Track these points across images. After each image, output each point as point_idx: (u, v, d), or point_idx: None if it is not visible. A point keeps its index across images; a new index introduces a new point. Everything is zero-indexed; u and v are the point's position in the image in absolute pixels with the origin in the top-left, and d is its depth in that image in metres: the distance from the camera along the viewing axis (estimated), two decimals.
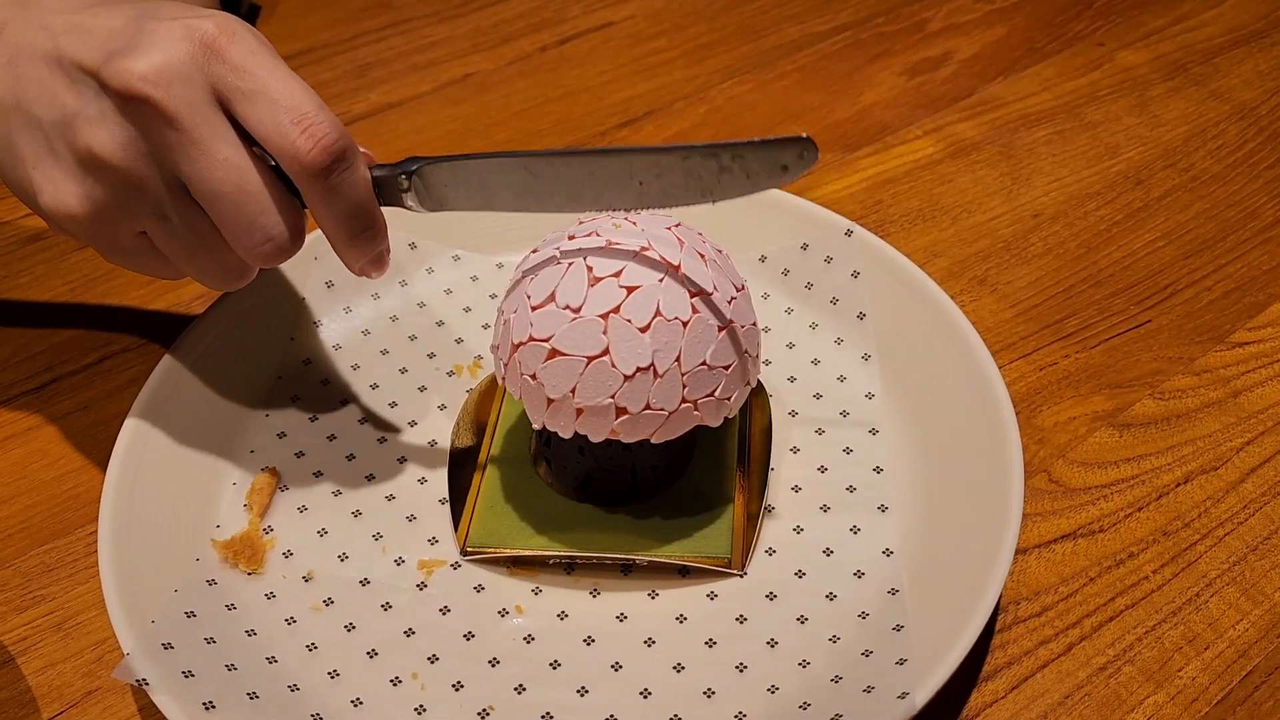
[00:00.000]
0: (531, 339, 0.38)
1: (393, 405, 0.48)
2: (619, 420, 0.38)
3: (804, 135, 0.34)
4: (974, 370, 0.45)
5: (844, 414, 0.47)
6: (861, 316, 0.49)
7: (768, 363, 0.49)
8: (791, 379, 0.48)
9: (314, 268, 0.51)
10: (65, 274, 0.57)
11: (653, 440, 0.39)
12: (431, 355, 0.50)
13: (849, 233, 0.50)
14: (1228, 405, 0.49)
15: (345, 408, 0.48)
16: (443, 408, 0.48)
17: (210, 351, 0.48)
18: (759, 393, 0.47)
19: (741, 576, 0.41)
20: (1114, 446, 0.48)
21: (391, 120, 0.67)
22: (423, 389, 0.49)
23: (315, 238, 0.51)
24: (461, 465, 0.45)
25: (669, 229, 0.40)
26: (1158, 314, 0.53)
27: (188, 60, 0.35)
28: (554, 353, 0.37)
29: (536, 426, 0.40)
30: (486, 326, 0.51)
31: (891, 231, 0.58)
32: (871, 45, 0.72)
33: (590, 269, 0.38)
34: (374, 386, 0.49)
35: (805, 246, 0.51)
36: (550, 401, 0.38)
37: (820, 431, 0.46)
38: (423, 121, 0.67)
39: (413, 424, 0.48)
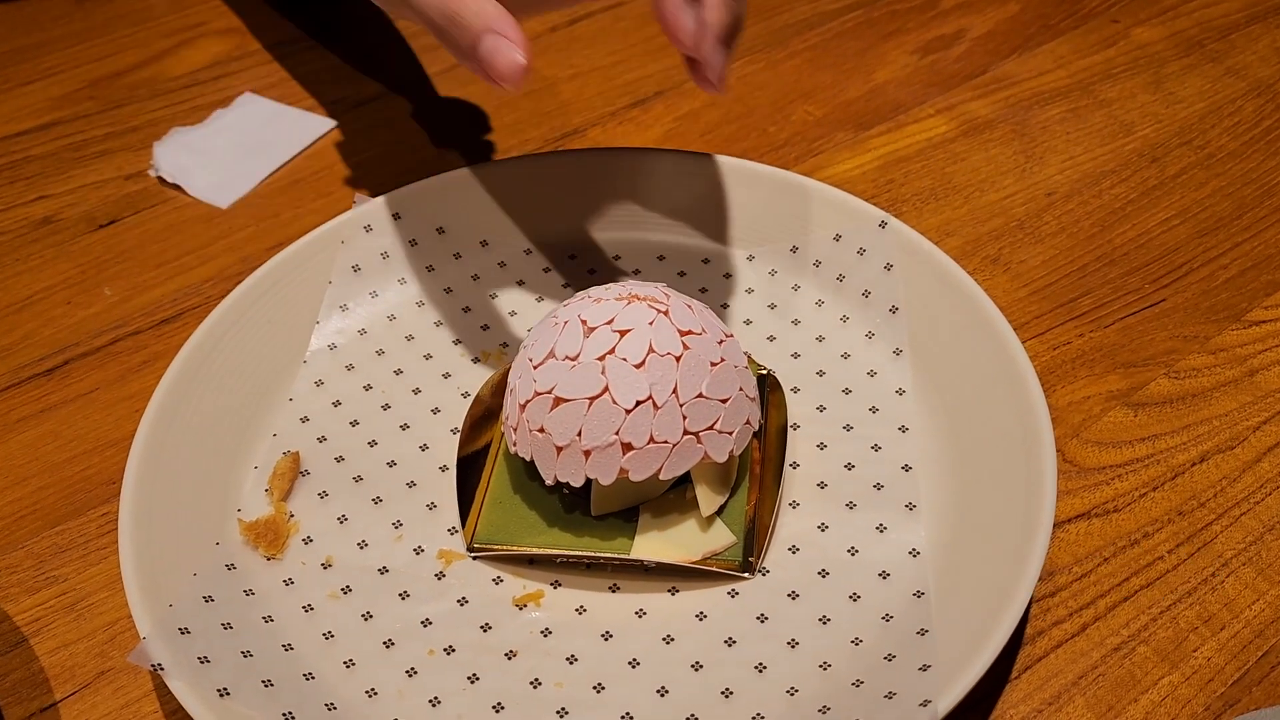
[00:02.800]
0: (536, 394, 0.40)
1: (416, 391, 0.48)
2: (626, 457, 0.39)
3: None
4: (1010, 372, 0.43)
5: (873, 410, 0.46)
6: (894, 310, 0.48)
7: (796, 355, 0.49)
8: (820, 373, 0.48)
9: (341, 251, 0.51)
10: (75, 257, 0.57)
11: (661, 476, 0.39)
12: (457, 341, 0.50)
13: (883, 224, 0.49)
14: (1244, 384, 0.49)
15: (369, 393, 0.48)
16: (466, 395, 0.48)
17: (234, 334, 0.47)
18: (775, 391, 0.46)
19: (764, 575, 0.41)
20: (1128, 426, 0.47)
21: (401, 102, 0.66)
22: (447, 375, 0.49)
23: (341, 221, 0.51)
24: (472, 458, 0.45)
25: (656, 288, 0.42)
26: (1173, 293, 0.53)
27: None
28: (557, 401, 0.39)
29: (549, 481, 0.40)
30: (514, 314, 0.51)
31: (904, 211, 0.57)
32: (884, 23, 0.71)
33: (584, 322, 0.40)
34: (398, 372, 0.49)
35: (838, 238, 0.50)
36: (559, 450, 0.39)
37: (849, 427, 0.46)
38: (432, 105, 0.66)
39: (436, 411, 0.47)
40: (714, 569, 0.41)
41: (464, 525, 0.43)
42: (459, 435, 0.46)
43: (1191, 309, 0.52)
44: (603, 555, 0.41)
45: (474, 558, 0.42)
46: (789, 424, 0.46)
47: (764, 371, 0.47)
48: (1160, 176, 0.59)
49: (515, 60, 0.38)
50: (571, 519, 0.42)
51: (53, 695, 0.40)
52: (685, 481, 0.43)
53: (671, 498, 0.43)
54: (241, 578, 0.41)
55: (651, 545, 0.41)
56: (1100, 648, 0.40)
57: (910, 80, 0.66)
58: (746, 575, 0.41)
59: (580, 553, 0.41)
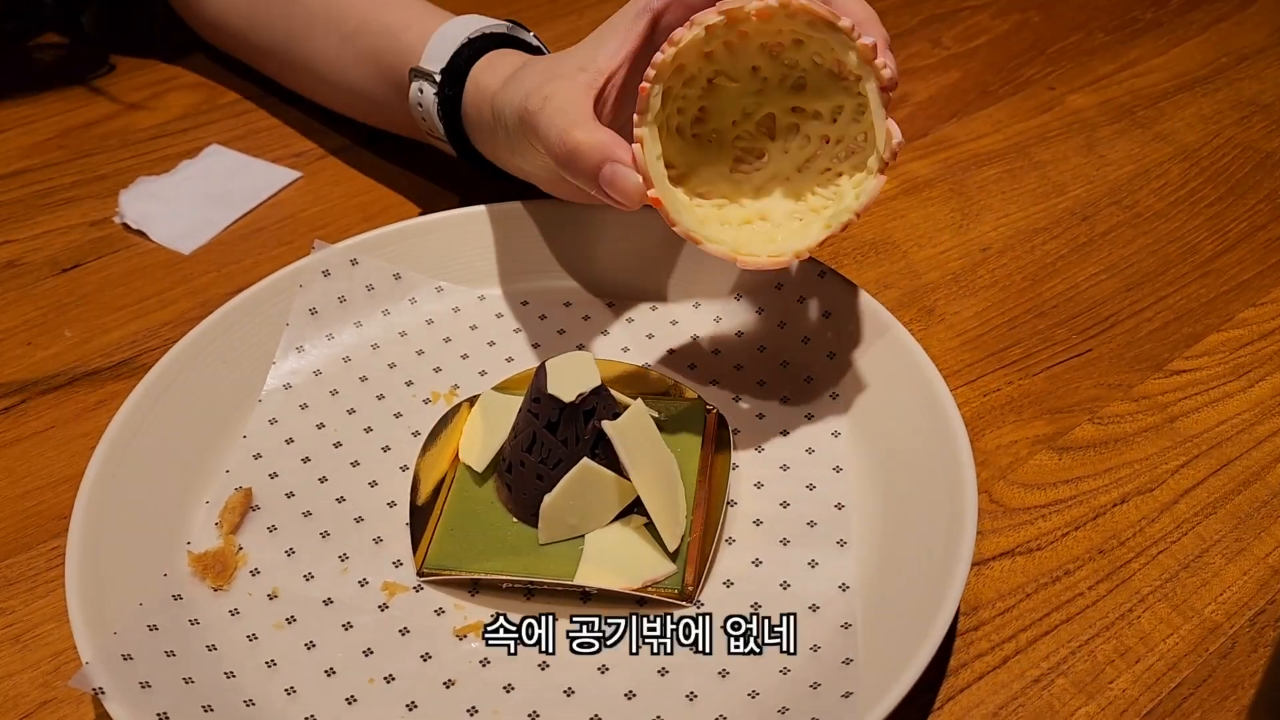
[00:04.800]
0: None
1: (368, 430, 0.49)
2: None
3: None
4: (938, 417, 0.45)
5: (809, 451, 0.48)
6: (831, 356, 0.50)
7: (737, 399, 0.50)
8: (760, 415, 0.50)
9: (299, 295, 0.52)
10: (37, 299, 0.59)
11: None
12: (409, 383, 0.51)
13: (822, 274, 0.52)
14: (1164, 430, 0.51)
15: (321, 431, 0.49)
16: (416, 434, 0.49)
17: (191, 373, 0.49)
18: (723, 428, 0.48)
19: (697, 607, 0.42)
20: (1053, 469, 0.49)
21: (364, 155, 0.68)
22: (398, 415, 0.50)
23: (300, 266, 0.53)
24: (425, 488, 0.46)
25: None
26: (1099, 343, 0.55)
27: None
28: None
29: None
30: (465, 356, 0.53)
31: (845, 264, 0.60)
32: None
33: None
34: (351, 411, 0.50)
35: (779, 286, 0.53)
36: None
37: (785, 468, 0.47)
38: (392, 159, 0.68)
39: (386, 449, 0.49)
40: (653, 595, 0.42)
41: (415, 552, 0.44)
42: (413, 468, 0.47)
43: (1116, 359, 0.54)
44: (547, 580, 0.42)
45: (425, 581, 0.43)
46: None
47: (711, 409, 0.49)
48: (1090, 234, 0.62)
49: (634, 183, 0.42)
50: (519, 547, 0.44)
51: None
52: (630, 513, 0.44)
53: (615, 529, 0.44)
54: (187, 608, 0.42)
55: (594, 573, 0.42)
56: (1021, 679, 0.41)
57: None
58: (685, 603, 0.42)
59: (526, 578, 0.43)
